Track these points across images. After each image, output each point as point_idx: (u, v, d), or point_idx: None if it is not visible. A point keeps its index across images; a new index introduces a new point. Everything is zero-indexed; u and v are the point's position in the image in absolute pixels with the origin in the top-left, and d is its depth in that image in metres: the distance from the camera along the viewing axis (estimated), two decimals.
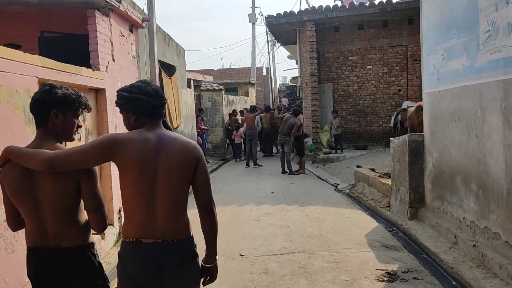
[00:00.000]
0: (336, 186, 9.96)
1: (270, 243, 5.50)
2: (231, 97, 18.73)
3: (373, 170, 9.22)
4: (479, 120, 4.49)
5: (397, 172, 6.71)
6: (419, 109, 7.88)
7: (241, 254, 5.11)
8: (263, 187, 9.78)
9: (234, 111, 17.29)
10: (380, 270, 4.47)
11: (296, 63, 24.74)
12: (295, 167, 12.29)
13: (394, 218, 6.46)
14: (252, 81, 23.91)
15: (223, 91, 16.87)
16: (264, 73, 33.33)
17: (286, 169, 11.83)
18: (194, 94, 16.10)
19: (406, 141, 6.29)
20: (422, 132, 6.41)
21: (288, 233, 5.91)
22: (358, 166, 9.40)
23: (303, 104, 15.45)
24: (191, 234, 2.24)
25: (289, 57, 23.16)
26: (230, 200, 8.37)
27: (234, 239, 5.72)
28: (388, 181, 7.50)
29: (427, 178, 5.99)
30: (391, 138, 7.19)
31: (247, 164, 13.73)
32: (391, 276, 4.30)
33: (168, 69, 10.14)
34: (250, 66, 29.49)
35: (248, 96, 22.56)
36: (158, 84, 9.21)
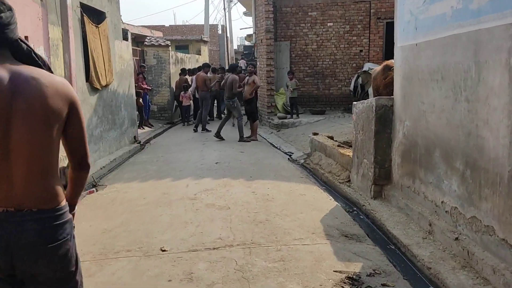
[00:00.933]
0: (290, 155, 8.93)
1: (203, 232, 4.36)
2: (180, 55, 17.07)
3: (331, 138, 8.22)
4: (472, 80, 3.43)
5: (359, 143, 5.69)
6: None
7: (163, 249, 3.94)
8: (208, 156, 8.58)
9: (183, 70, 15.78)
10: (340, 272, 3.45)
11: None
12: (247, 133, 11.15)
13: (355, 196, 5.48)
14: (205, 39, 22.15)
15: (170, 47, 15.22)
16: (220, 32, 31.48)
17: (221, 134, 11.08)
18: (137, 50, 14.39)
19: (373, 105, 5.22)
20: (390, 96, 5.38)
21: (228, 218, 4.79)
22: (315, 134, 8.36)
23: (258, 64, 14.15)
24: (62, 204, 1.70)
25: (245, 13, 21.53)
26: (165, 173, 7.13)
27: (158, 226, 4.54)
28: (348, 152, 6.49)
29: (396, 150, 4.99)
30: (354, 103, 6.12)
31: (195, 129, 12.43)
32: (354, 282, 3.29)
33: (96, 15, 8.50)
34: (204, 25, 27.59)
35: (200, 54, 20.89)
36: (79, 32, 7.63)
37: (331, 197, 5.76)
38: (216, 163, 7.82)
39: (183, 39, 21.34)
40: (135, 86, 13.49)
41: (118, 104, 9.52)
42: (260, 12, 13.29)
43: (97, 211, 5.21)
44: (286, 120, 11.98)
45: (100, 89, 8.28)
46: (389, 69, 6.71)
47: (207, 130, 12.21)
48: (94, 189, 6.19)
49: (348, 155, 6.31)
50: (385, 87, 6.71)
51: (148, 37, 15.36)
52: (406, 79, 4.76)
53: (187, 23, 31.15)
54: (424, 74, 4.27)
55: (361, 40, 13.49)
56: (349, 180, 6.14)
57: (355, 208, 5.28)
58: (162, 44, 15.15)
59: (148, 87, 13.91)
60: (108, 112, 8.87)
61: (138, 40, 15.72)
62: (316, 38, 13.55)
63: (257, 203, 5.35)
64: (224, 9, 32.95)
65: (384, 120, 5.13)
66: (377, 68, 7.15)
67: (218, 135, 10.85)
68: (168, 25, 29.41)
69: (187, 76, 15.16)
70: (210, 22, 29.99)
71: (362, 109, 5.64)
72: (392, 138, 5.10)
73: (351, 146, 7.27)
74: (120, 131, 9.59)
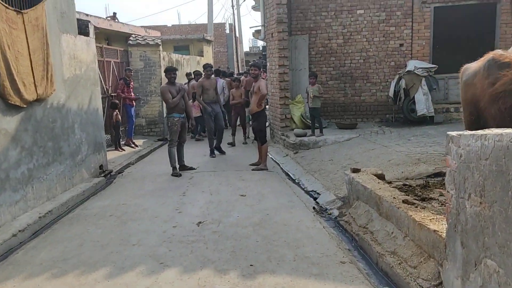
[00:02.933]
0: (315, 199, 5.99)
1: None
2: (176, 56, 14.23)
3: (382, 177, 5.24)
4: None
5: (472, 219, 2.69)
6: (495, 66, 3.80)
7: None
8: (189, 205, 5.62)
9: (194, 73, 13.05)
10: None
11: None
12: (250, 153, 8.24)
13: None
14: (208, 37, 19.27)
15: (160, 46, 12.38)
16: (228, 31, 28.65)
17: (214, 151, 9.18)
18: (117, 50, 11.59)
19: None
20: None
21: None
22: (355, 170, 5.35)
23: (267, 64, 11.21)
24: None
25: (254, 7, 18.61)
26: (106, 252, 4.19)
27: None
28: (431, 223, 3.49)
29: None
30: (452, 134, 3.08)
31: (212, 153, 9.29)
32: None
33: None
34: (209, 25, 24.79)
35: (202, 56, 18.04)
36: None
37: None
38: (199, 223, 4.86)
39: (182, 38, 18.48)
40: (113, 96, 10.72)
41: (68, 125, 6.68)
42: None
43: None
44: (306, 138, 9.00)
45: (25, 105, 5.44)
46: (500, 67, 3.69)
47: (221, 152, 9.52)
48: None
49: (435, 233, 3.31)
50: (495, 100, 3.68)
51: (133, 35, 12.55)
52: None
53: (192, 23, 28.37)
54: None
55: (401, 31, 10.44)
56: (441, 284, 3.16)
57: None
58: (151, 43, 12.32)
59: (135, 97, 11.09)
60: (46, 138, 6.03)
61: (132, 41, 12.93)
62: (342, 30, 10.55)
63: None
64: (232, 6, 30.15)
65: None
66: (473, 65, 4.12)
67: (218, 150, 9.19)
68: (170, 25, 26.69)
69: (193, 81, 12.31)
70: (218, 21, 27.21)
71: (481, 150, 2.63)
72: None
73: (423, 199, 4.29)
74: (72, 162, 6.75)
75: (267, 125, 9.63)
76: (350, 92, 10.73)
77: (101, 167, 7.98)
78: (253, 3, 19.24)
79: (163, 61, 12.82)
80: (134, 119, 11.07)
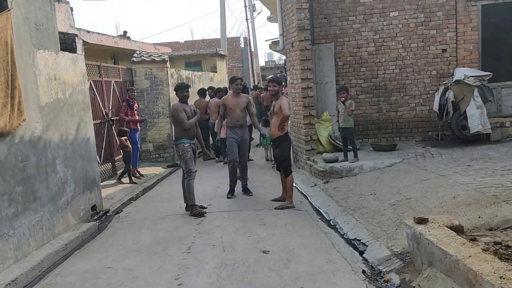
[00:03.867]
0: (361, 253, 4.52)
1: None
2: (186, 73, 12.99)
3: (460, 230, 3.74)
4: None
5: None
6: None
7: None
8: (193, 270, 4.16)
9: (201, 90, 11.84)
10: None
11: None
12: (271, 181, 6.83)
13: None
14: (222, 52, 18.05)
15: (167, 63, 11.15)
16: (242, 45, 27.51)
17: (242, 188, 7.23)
18: (118, 69, 10.38)
19: None
20: None
21: None
22: (421, 221, 3.84)
23: (288, 78, 9.84)
24: None
25: (269, 18, 17.38)
26: None
27: None
28: None
29: None
30: None
31: (231, 193, 7.14)
32: None
33: None
34: (222, 39, 23.67)
35: (215, 71, 16.80)
36: None
37: None
38: None
39: (193, 54, 17.28)
40: (113, 120, 9.47)
41: (46, 162, 5.39)
42: (288, 3, 9.03)
43: None
44: (337, 164, 7.54)
45: None
46: None
47: (247, 193, 7.26)
48: None
49: None
50: None
51: (137, 52, 11.35)
52: None
53: (206, 39, 27.35)
54: None
55: (443, 34, 8.96)
56: None
57: None
58: (157, 59, 11.10)
59: (141, 118, 9.82)
60: (14, 182, 4.72)
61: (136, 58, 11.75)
62: (373, 36, 9.14)
63: None
64: (246, 19, 29.05)
65: None
66: None
67: (244, 191, 7.31)
68: (183, 41, 25.69)
69: (214, 99, 11.05)
70: (232, 35, 26.12)
71: None
72: None
73: None
74: (52, 208, 5.43)
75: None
76: (385, 107, 9.24)
77: (93, 207, 6.66)
78: (269, 13, 18.03)
79: (171, 79, 11.58)
80: (139, 145, 9.78)
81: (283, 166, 6.38)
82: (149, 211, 6.71)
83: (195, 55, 17.34)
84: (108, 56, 14.64)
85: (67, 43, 6.64)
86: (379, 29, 9.09)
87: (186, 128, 6.29)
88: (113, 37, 13.68)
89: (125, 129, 9.06)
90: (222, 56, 18.48)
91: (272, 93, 6.55)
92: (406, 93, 9.17)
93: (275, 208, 6.19)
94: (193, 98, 11.42)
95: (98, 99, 8.78)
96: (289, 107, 6.28)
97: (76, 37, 6.74)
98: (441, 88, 8.29)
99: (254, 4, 29.17)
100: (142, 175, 9.65)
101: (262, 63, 42.68)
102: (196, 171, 6.44)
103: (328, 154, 7.93)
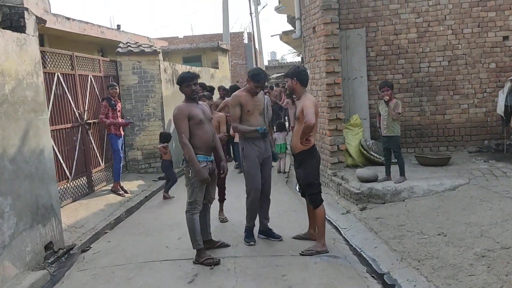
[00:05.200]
0: None
1: None
2: (182, 67, 11.14)
3: None
4: None
5: None
6: None
7: None
8: None
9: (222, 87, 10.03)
10: None
11: (289, 19, 17.07)
12: (291, 214, 4.99)
13: None
14: (224, 46, 16.16)
15: (160, 55, 9.31)
16: (246, 41, 25.67)
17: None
18: (101, 61, 8.52)
19: None
20: None
21: None
22: None
23: (308, 72, 7.98)
24: None
25: (277, 9, 15.51)
26: None
27: None
28: None
29: None
30: None
31: (249, 237, 4.87)
32: None
33: None
34: (225, 32, 21.84)
35: (217, 68, 14.94)
36: None
37: None
38: None
39: (192, 48, 15.40)
40: (91, 123, 7.68)
41: None
42: None
43: None
44: (378, 185, 5.68)
45: None
46: None
47: (271, 235, 4.96)
48: None
49: None
50: None
51: (123, 42, 9.50)
52: None
53: (207, 34, 25.49)
54: None
55: (505, 17, 7.12)
56: None
57: None
58: (147, 50, 9.26)
59: (126, 121, 8.00)
60: None
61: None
62: (415, 20, 7.29)
63: None
64: (251, 13, 27.20)
65: None
66: None
67: (265, 234, 4.97)
68: (182, 36, 23.85)
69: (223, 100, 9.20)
70: (235, 31, 24.31)
71: None
72: None
73: None
74: None
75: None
76: (429, 109, 7.39)
77: (49, 245, 4.83)
78: (276, 3, 16.15)
79: (164, 74, 9.73)
80: (122, 154, 7.94)
81: (310, 194, 4.53)
82: (124, 252, 4.86)
83: (194, 49, 15.44)
84: (94, 50, 12.80)
85: (12, 19, 4.84)
86: (423, 10, 7.24)
87: (198, 146, 4.32)
88: (99, 26, 11.84)
89: (167, 132, 7.65)
90: (224, 51, 16.61)
91: (288, 91, 4.74)
92: (456, 92, 7.31)
93: (301, 254, 4.34)
94: None
95: (69, 97, 6.94)
96: (315, 111, 4.41)
97: (25, 12, 4.91)
98: (508, 85, 6.43)
99: None
100: (126, 191, 7.83)
101: (265, 61, 40.80)
102: (209, 201, 4.60)
103: (364, 171, 6.07)
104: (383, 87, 5.66)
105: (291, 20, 17.56)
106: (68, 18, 10.36)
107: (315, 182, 4.55)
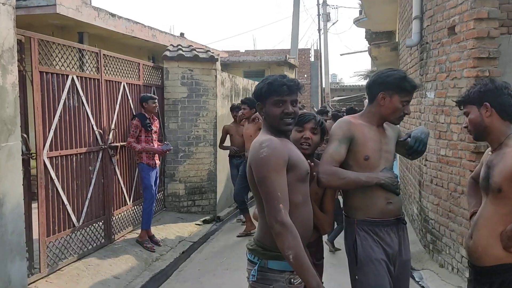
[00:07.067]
0: None
1: None
2: (244, 81, 9.07)
3: None
4: None
5: None
6: None
7: None
8: None
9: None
10: None
11: (367, 33, 14.64)
12: None
13: None
14: (291, 61, 13.96)
15: (217, 63, 7.23)
16: (312, 59, 23.44)
17: None
18: (142, 66, 6.51)
19: None
20: None
21: None
22: None
23: (428, 95, 5.47)
24: None
25: (357, 21, 13.17)
26: None
27: None
28: None
29: None
30: None
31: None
32: None
33: None
34: (290, 48, 19.77)
35: None
36: None
37: None
38: None
39: (255, 61, 13.32)
40: (117, 147, 5.62)
41: None
42: None
43: None
44: None
45: None
46: None
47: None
48: None
49: None
50: None
51: (172, 45, 7.49)
52: None
53: (270, 49, 23.58)
54: None
55: None
56: None
57: None
58: (202, 55, 7.20)
59: (157, 148, 5.84)
60: None
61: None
62: None
63: None
64: (319, 30, 25.02)
65: None
66: None
67: None
68: (243, 50, 22.04)
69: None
70: (301, 47, 22.17)
71: None
72: None
73: None
74: None
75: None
76: None
77: None
78: (355, 13, 13.82)
79: (221, 87, 7.63)
80: (155, 191, 5.79)
81: None
82: None
83: (257, 63, 13.35)
84: (143, 56, 11.01)
85: None
86: None
87: (281, 223, 1.91)
88: (151, 28, 10.04)
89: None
90: (292, 66, 14.41)
91: None
92: None
93: None
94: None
95: (87, 110, 4.92)
96: None
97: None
98: None
99: (329, 13, 25.12)
100: (157, 242, 5.67)
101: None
102: None
103: None
104: None
105: (370, 36, 15.22)
106: (114, 15, 8.59)
107: None
